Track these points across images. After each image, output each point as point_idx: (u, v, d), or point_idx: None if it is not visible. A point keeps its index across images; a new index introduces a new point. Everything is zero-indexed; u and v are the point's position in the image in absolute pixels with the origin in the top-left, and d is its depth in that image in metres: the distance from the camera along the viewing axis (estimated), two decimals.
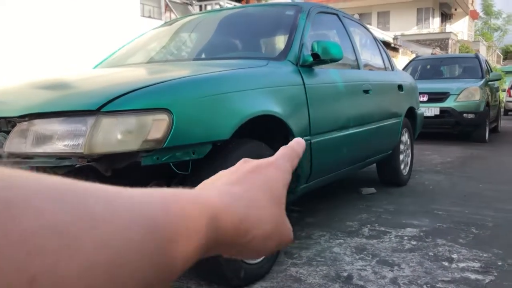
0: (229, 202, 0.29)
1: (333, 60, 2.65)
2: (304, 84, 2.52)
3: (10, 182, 0.17)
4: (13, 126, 1.72)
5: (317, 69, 2.72)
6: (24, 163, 1.65)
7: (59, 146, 1.63)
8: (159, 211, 0.23)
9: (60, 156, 1.62)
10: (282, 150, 0.38)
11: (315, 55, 2.60)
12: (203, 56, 3.02)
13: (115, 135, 1.61)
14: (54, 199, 0.17)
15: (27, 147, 1.65)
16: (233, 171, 0.35)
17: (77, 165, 1.62)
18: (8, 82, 2.34)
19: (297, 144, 0.40)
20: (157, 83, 1.83)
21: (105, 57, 3.41)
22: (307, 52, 2.66)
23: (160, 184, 1.93)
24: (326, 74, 2.82)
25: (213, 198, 0.28)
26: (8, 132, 1.73)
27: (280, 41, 2.95)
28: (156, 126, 1.66)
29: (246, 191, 0.31)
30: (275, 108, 2.23)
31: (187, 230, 0.24)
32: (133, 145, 1.63)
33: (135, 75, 2.40)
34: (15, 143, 1.68)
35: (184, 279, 2.19)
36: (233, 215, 0.28)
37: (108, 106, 1.63)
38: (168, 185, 2.00)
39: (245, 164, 0.35)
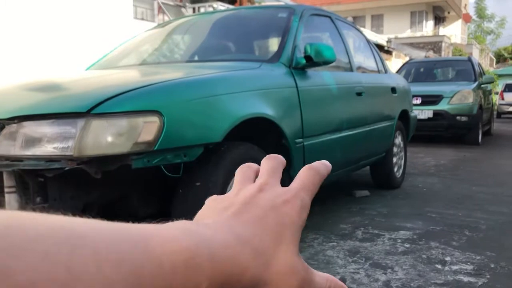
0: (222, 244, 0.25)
1: (326, 63, 2.65)
2: (297, 86, 2.51)
3: None
4: (2, 128, 1.70)
5: (310, 71, 2.71)
6: (13, 166, 1.63)
7: (48, 149, 1.60)
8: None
9: (50, 159, 1.60)
10: (305, 174, 0.33)
11: (308, 58, 2.60)
12: (196, 58, 3.00)
13: (105, 137, 1.59)
14: (32, 258, 0.17)
15: (16, 150, 1.63)
16: (245, 202, 0.30)
17: (67, 168, 1.60)
18: None
19: (324, 166, 0.35)
20: (148, 85, 1.81)
21: (98, 59, 3.38)
22: (300, 54, 2.66)
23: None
24: (319, 77, 2.82)
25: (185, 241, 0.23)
26: None
27: (273, 44, 2.95)
28: (147, 129, 1.64)
29: (254, 234, 0.27)
30: (267, 110, 2.22)
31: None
32: (123, 148, 1.61)
33: (126, 77, 2.38)
34: (4, 146, 1.66)
35: None
36: (228, 259, 0.24)
37: (99, 108, 1.61)
38: (160, 187, 1.99)
39: (259, 197, 0.30)
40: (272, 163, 0.34)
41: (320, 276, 0.31)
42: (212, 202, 0.31)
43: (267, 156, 0.35)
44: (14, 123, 1.67)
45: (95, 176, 1.64)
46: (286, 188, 0.32)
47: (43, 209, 1.64)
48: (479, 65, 9.15)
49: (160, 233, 0.22)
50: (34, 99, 1.90)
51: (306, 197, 0.31)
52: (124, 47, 3.41)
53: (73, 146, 1.57)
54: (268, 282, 0.26)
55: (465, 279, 2.18)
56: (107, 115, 1.61)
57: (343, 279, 2.18)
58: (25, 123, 1.66)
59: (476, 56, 28.54)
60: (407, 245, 2.65)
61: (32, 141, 1.63)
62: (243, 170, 0.34)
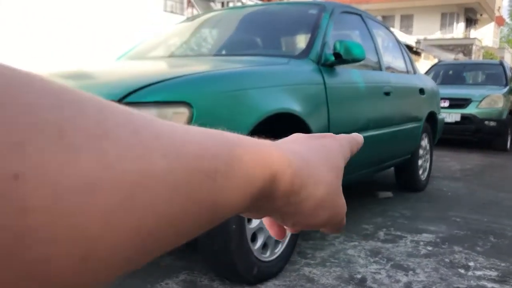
0: (288, 157, 0.26)
1: (355, 60, 2.63)
2: (324, 83, 2.50)
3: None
4: None
5: (339, 69, 2.70)
6: None
7: None
8: (200, 144, 0.21)
9: None
10: (343, 135, 0.37)
11: (337, 55, 2.59)
12: (223, 52, 3.02)
13: None
14: (58, 100, 0.15)
15: None
16: (288, 139, 0.33)
17: None
18: None
19: (358, 136, 0.39)
20: (179, 77, 1.83)
21: (128, 49, 3.44)
22: (329, 51, 2.65)
23: None
24: (347, 74, 2.80)
25: (275, 152, 0.25)
26: None
27: (302, 40, 2.94)
28: (176, 119, 1.66)
29: (304, 151, 0.29)
30: (294, 106, 2.22)
31: (242, 176, 0.22)
32: None
33: (156, 68, 2.41)
34: None
35: (197, 274, 2.19)
36: (290, 170, 0.26)
37: (130, 97, 1.64)
38: None
39: (301, 135, 0.34)
40: (346, 135, 0.37)
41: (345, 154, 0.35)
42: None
43: (355, 134, 0.39)
44: None
45: None
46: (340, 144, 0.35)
47: None
48: (511, 69, 8.94)
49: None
50: None
51: (346, 143, 0.36)
52: (153, 39, 3.45)
53: None
54: (310, 186, 0.28)
55: (489, 285, 2.14)
56: (138, 104, 1.63)
57: (363, 279, 2.17)
58: None
59: (508, 60, 27.88)
60: (430, 248, 2.62)
61: None
62: None
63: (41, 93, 0.15)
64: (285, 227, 0.33)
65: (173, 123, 0.21)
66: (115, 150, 0.16)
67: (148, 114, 0.20)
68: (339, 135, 0.36)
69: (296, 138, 0.33)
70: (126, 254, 0.17)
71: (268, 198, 0.25)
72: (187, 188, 0.19)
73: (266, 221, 0.35)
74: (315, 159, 0.29)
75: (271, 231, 0.35)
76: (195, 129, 0.22)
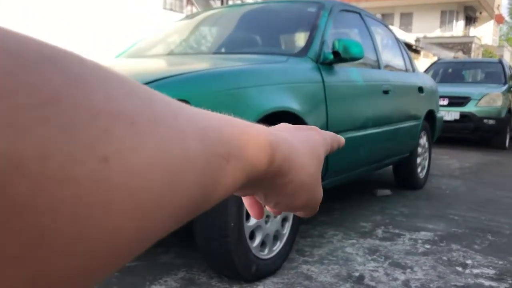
0: (280, 143, 0.29)
1: (354, 59, 2.63)
2: (323, 81, 2.51)
3: (82, 62, 0.16)
4: None
5: (337, 67, 2.70)
6: None
7: None
8: (217, 128, 0.22)
9: None
10: (327, 131, 0.39)
11: (335, 53, 2.59)
12: (223, 50, 3.02)
13: None
14: (123, 90, 0.17)
15: None
16: (277, 127, 0.35)
17: None
18: None
19: (341, 138, 0.41)
20: (177, 75, 1.84)
21: (127, 47, 3.43)
22: (327, 49, 2.65)
23: None
24: (346, 73, 2.80)
25: (271, 137, 0.28)
26: None
27: (301, 38, 2.94)
28: None
29: (291, 138, 0.32)
30: (293, 104, 2.22)
31: (248, 159, 0.24)
32: None
33: (155, 66, 2.42)
34: None
35: (196, 271, 2.20)
36: (281, 154, 0.28)
37: None
38: None
39: (289, 125, 0.36)
40: (336, 135, 0.40)
41: (324, 147, 0.36)
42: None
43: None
44: None
45: None
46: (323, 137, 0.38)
47: None
48: (510, 68, 8.94)
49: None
50: None
51: (326, 137, 0.37)
52: (152, 37, 3.45)
53: None
54: (296, 170, 0.31)
55: (486, 283, 2.15)
56: None
57: (361, 277, 2.18)
58: None
59: (507, 58, 27.88)
60: (428, 246, 2.62)
61: None
62: None
63: (116, 84, 0.17)
64: (267, 207, 0.35)
65: (192, 106, 0.22)
66: (166, 135, 0.18)
67: (171, 98, 0.21)
68: (324, 131, 0.38)
69: (285, 127, 0.35)
70: (167, 227, 0.19)
71: (258, 178, 0.27)
72: (208, 170, 0.21)
73: (246, 200, 0.37)
74: (300, 147, 0.32)
75: (251, 211, 0.37)
76: (212, 114, 0.24)
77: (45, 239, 0.13)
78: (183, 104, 0.21)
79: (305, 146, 0.33)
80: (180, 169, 0.18)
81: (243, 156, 0.24)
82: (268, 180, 0.29)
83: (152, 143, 0.17)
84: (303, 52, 2.62)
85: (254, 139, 0.26)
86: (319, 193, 0.34)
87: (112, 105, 0.15)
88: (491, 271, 2.29)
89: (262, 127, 0.28)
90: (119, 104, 0.16)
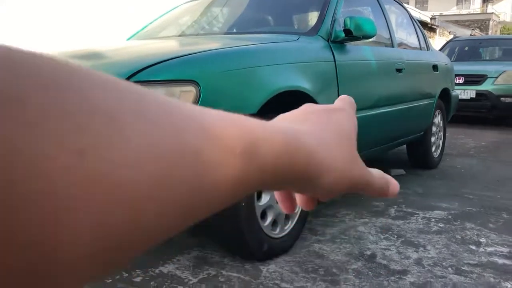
0: (303, 145, 0.27)
1: (366, 37, 2.59)
2: (335, 60, 2.48)
3: (56, 65, 0.16)
4: None
5: (349, 45, 2.67)
6: None
7: None
8: (220, 125, 0.22)
9: None
10: (342, 103, 0.37)
11: (347, 31, 2.55)
12: (234, 30, 3.00)
13: None
14: (104, 89, 0.17)
15: None
16: (296, 113, 0.33)
17: None
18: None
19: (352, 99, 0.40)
20: (186, 55, 1.83)
21: (138, 29, 3.43)
22: (339, 27, 2.61)
23: None
24: (358, 51, 2.77)
25: (293, 141, 0.26)
26: None
27: (312, 16, 2.90)
28: (184, 98, 1.67)
29: (317, 131, 0.30)
30: (304, 83, 2.20)
31: (254, 153, 0.23)
32: None
33: (165, 47, 2.41)
34: None
35: (208, 251, 2.22)
36: (304, 158, 0.27)
37: (137, 76, 1.65)
38: None
39: (309, 107, 0.34)
40: (351, 99, 0.39)
41: (376, 176, 0.34)
42: (279, 117, 0.34)
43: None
44: None
45: None
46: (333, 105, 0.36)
47: None
48: None
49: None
50: None
51: (353, 113, 0.36)
52: (163, 19, 3.44)
53: None
54: (328, 167, 0.29)
55: (500, 261, 2.14)
56: (145, 82, 1.64)
57: (373, 255, 2.18)
58: None
59: None
60: (441, 225, 2.61)
61: None
62: None
63: (97, 85, 0.17)
64: (298, 204, 0.35)
65: (192, 105, 0.22)
66: (157, 130, 0.18)
67: (169, 98, 0.21)
68: (340, 104, 0.36)
69: (306, 115, 0.32)
70: (168, 224, 0.19)
71: (285, 179, 0.26)
72: (208, 166, 0.20)
73: (278, 196, 0.36)
74: (328, 140, 0.30)
75: (283, 205, 0.36)
76: (213, 111, 0.23)
77: (19, 232, 0.13)
78: (183, 103, 0.21)
79: (333, 137, 0.31)
80: (174, 163, 0.18)
81: (254, 154, 0.23)
82: (297, 181, 0.27)
83: (139, 138, 0.17)
84: (314, 30, 2.58)
85: (268, 142, 0.24)
86: (359, 170, 0.32)
87: (89, 103, 0.16)
88: (505, 249, 2.27)
89: (282, 126, 0.27)
90: (97, 102, 0.16)
